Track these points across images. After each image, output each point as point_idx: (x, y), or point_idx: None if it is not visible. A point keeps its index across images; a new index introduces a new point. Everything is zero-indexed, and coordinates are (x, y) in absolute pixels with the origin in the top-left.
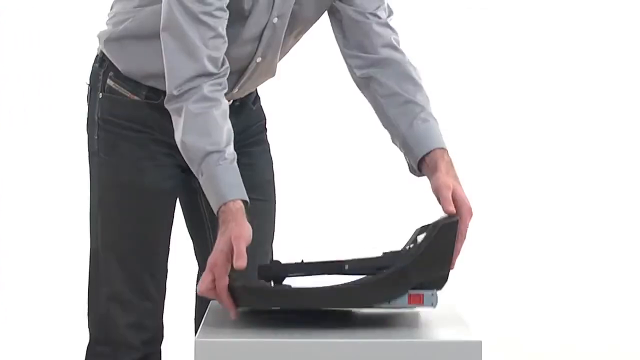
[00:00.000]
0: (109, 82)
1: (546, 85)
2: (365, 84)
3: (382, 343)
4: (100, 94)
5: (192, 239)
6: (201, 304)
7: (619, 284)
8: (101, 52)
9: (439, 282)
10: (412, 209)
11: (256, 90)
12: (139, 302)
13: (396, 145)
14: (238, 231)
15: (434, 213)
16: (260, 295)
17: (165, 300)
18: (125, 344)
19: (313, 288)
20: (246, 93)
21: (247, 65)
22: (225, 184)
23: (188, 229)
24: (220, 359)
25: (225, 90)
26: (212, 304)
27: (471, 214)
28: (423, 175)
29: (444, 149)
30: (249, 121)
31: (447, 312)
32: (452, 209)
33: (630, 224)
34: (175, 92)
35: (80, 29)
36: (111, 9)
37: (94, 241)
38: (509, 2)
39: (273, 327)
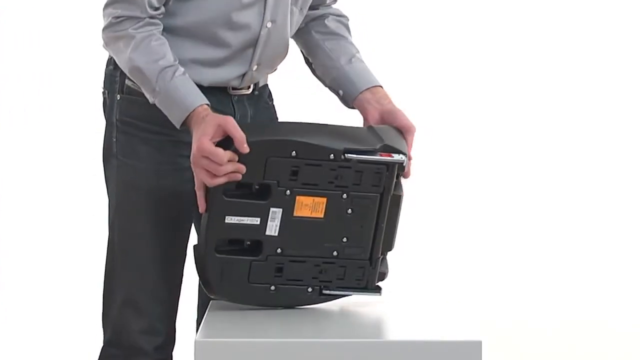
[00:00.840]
0: (128, 82)
1: (546, 85)
2: (302, 28)
3: (382, 343)
4: (118, 95)
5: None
6: (202, 305)
7: (619, 284)
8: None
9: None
10: (415, 208)
11: (268, 87)
12: (153, 307)
13: (323, 78)
14: (222, 118)
15: (436, 213)
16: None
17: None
18: (137, 349)
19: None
20: (263, 78)
21: (258, 33)
22: (188, 92)
23: (195, 227)
24: (220, 359)
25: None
26: (212, 303)
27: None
28: (353, 108)
29: (382, 87)
30: (267, 118)
31: (447, 312)
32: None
33: (630, 224)
34: (113, 20)
35: (80, 29)
36: None
37: (111, 245)
38: (509, 2)
39: (273, 327)
